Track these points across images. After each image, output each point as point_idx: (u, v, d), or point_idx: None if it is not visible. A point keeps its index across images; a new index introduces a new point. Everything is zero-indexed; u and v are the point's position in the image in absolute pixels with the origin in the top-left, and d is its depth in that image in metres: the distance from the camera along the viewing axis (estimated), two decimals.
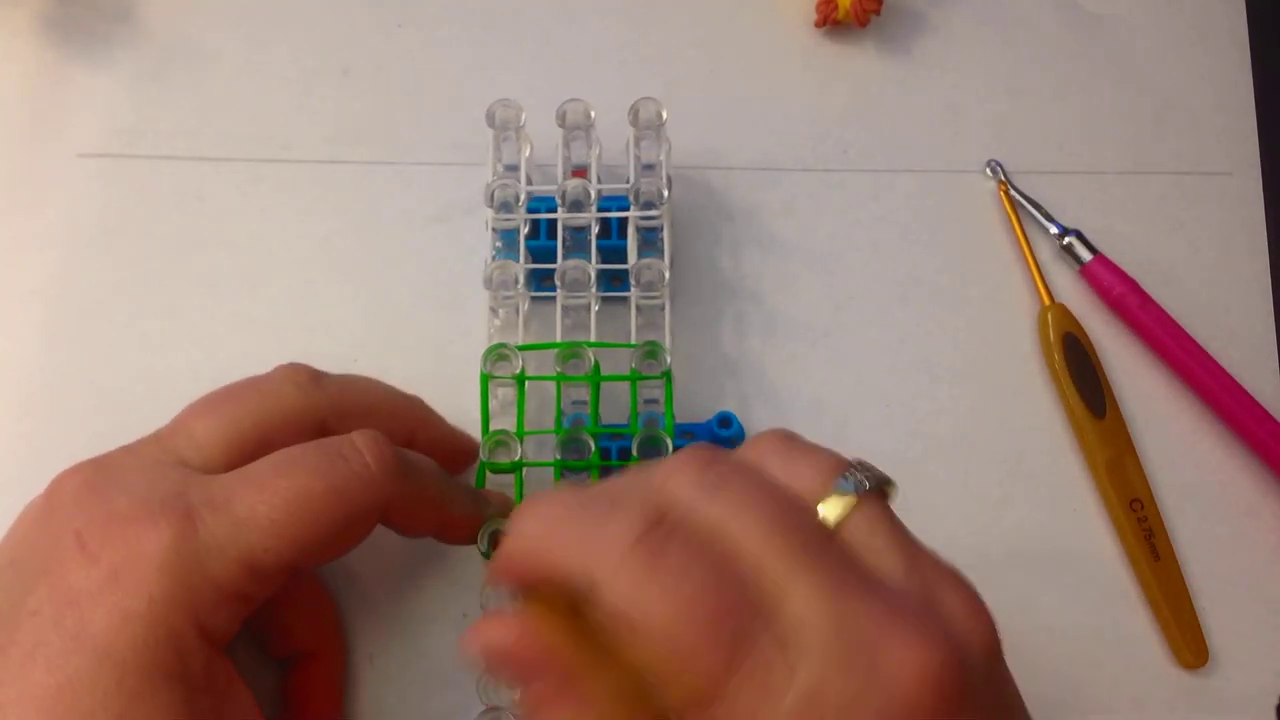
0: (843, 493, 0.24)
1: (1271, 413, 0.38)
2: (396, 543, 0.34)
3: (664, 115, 0.36)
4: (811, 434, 0.38)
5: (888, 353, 0.39)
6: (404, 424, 0.33)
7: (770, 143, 0.42)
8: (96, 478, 0.28)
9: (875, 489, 0.24)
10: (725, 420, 0.36)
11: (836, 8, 0.42)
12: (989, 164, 0.42)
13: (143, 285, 0.39)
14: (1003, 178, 0.42)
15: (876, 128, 0.42)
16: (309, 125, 0.41)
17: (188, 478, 0.28)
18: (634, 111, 0.37)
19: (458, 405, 0.36)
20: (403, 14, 0.42)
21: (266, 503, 0.27)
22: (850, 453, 0.38)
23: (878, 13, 0.42)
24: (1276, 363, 0.40)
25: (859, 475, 0.24)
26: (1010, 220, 0.41)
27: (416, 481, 0.30)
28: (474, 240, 0.39)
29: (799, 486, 0.24)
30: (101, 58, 0.41)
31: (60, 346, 0.38)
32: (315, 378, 0.31)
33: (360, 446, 0.29)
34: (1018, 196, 0.41)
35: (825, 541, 0.23)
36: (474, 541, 0.33)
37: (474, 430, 0.35)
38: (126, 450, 0.30)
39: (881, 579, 0.23)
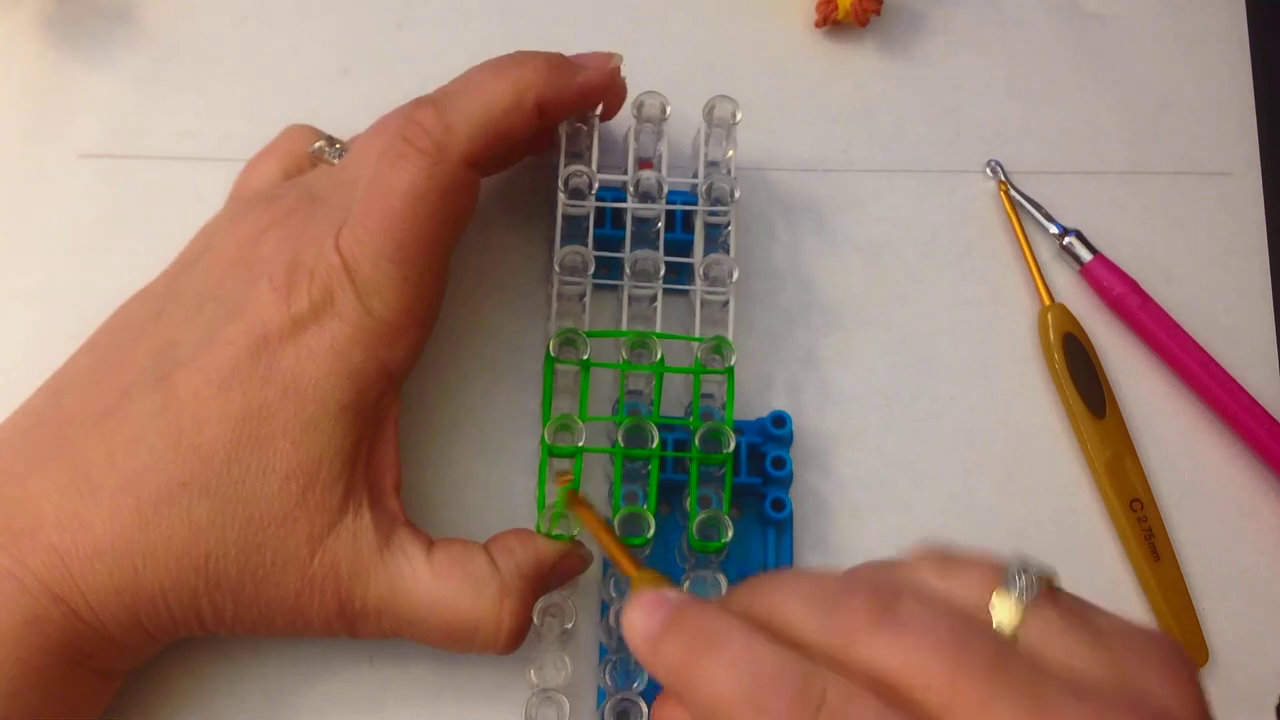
0: (1012, 597, 0.23)
1: (1271, 413, 0.38)
2: None
3: (738, 116, 0.37)
4: (811, 434, 0.38)
5: (887, 353, 0.39)
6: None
7: (769, 143, 0.41)
8: (287, 230, 0.32)
9: (1043, 584, 0.23)
10: (779, 419, 0.36)
11: (836, 8, 0.42)
12: (989, 164, 0.42)
13: (143, 286, 0.39)
14: (1003, 178, 0.42)
15: (876, 128, 0.42)
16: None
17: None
18: (709, 108, 0.37)
19: (471, 392, 0.36)
20: (403, 14, 0.42)
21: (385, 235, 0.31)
22: (850, 452, 0.38)
23: (878, 13, 0.42)
24: (1276, 363, 0.40)
25: (1022, 577, 0.23)
26: (1010, 220, 0.41)
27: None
28: (475, 237, 0.39)
29: (962, 600, 0.24)
30: (101, 58, 0.41)
31: (60, 347, 0.37)
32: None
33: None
34: (1018, 196, 0.41)
35: (1012, 659, 0.22)
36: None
37: (534, 412, 0.35)
38: (310, 204, 0.33)
39: (1076, 679, 0.22)
